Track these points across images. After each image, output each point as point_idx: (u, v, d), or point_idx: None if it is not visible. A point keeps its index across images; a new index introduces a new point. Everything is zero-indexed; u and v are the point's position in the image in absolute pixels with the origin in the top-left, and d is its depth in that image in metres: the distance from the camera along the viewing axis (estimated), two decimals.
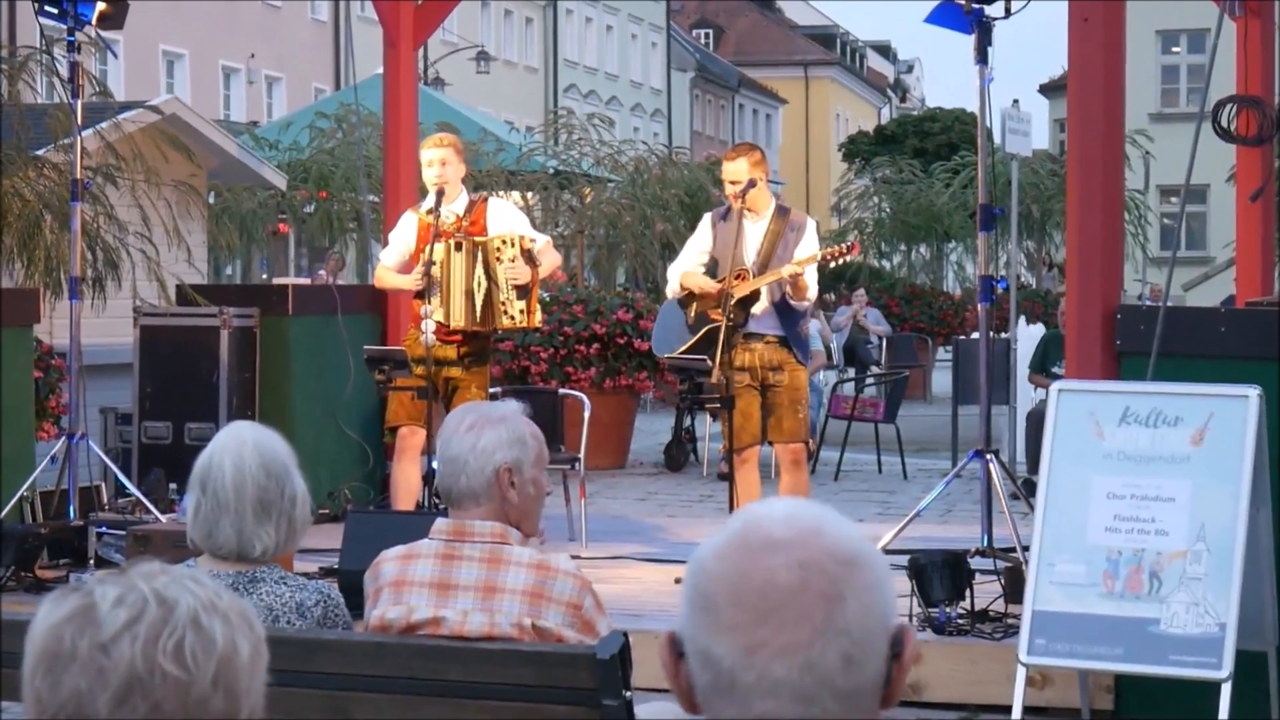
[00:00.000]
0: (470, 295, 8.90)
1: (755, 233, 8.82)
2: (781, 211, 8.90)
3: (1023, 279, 28.28)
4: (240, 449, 3.87)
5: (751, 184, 8.72)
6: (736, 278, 8.67)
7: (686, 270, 8.94)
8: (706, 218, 9.14)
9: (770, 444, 8.94)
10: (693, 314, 8.91)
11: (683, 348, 8.85)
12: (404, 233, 9.26)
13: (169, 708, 1.82)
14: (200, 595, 1.88)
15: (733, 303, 8.60)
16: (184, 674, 1.83)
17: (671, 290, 9.13)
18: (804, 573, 1.81)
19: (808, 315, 9.08)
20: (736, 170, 8.80)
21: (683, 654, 1.87)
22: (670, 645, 1.89)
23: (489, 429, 4.03)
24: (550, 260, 9.25)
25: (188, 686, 1.83)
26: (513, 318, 8.93)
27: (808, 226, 8.89)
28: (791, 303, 8.72)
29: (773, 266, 8.67)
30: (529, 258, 8.94)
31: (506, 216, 9.22)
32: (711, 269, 8.96)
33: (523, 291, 8.93)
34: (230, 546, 3.86)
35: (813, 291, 8.74)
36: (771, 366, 8.74)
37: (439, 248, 8.87)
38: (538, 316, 9.15)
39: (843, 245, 8.62)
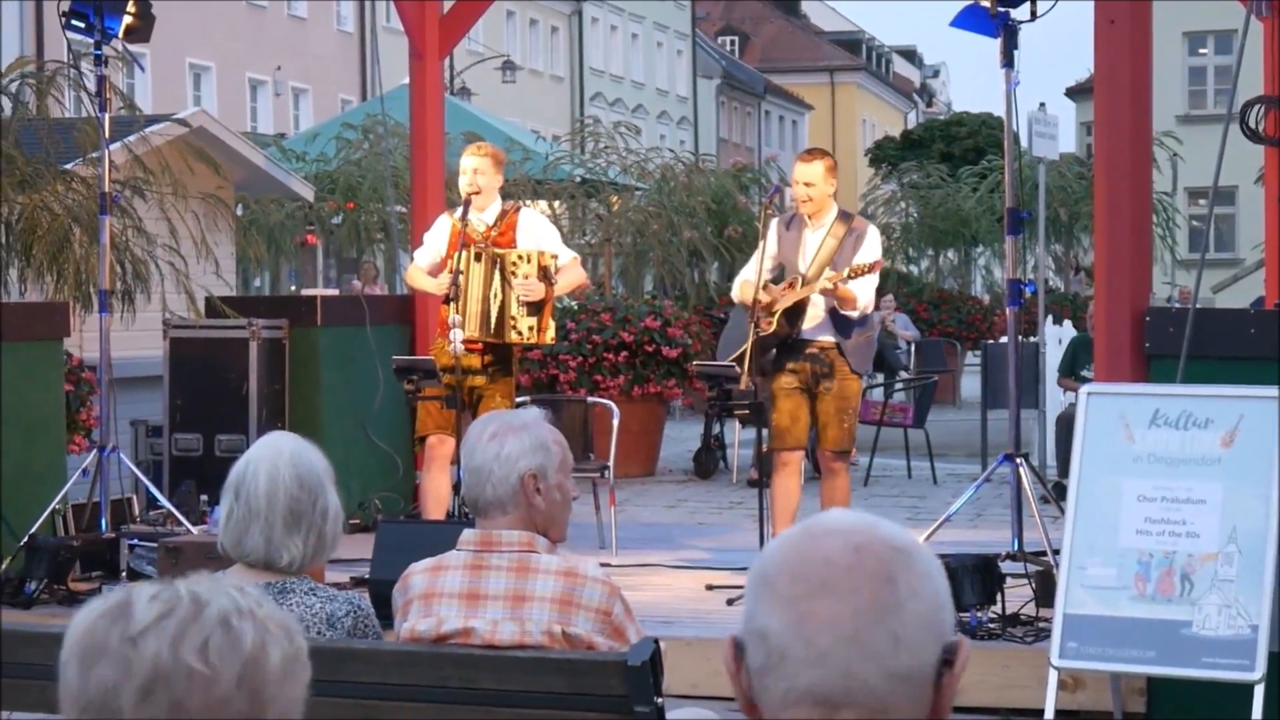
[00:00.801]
0: (485, 306, 8.91)
1: (814, 240, 8.79)
2: (844, 217, 8.85)
3: (1051, 283, 28.21)
4: (276, 458, 3.89)
5: (777, 189, 8.73)
6: (789, 285, 8.66)
7: (746, 279, 8.91)
8: (774, 223, 9.05)
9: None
10: (748, 321, 8.89)
11: (735, 354, 8.83)
12: (437, 236, 9.27)
13: (191, 705, 1.83)
14: (237, 600, 1.89)
15: (773, 312, 8.58)
16: (207, 670, 1.83)
17: (734, 296, 9.14)
18: (859, 554, 1.87)
19: (868, 324, 8.98)
20: (812, 173, 8.72)
21: (744, 654, 1.90)
22: (733, 648, 1.92)
23: (512, 436, 4.03)
24: (570, 278, 9.21)
25: (210, 684, 1.83)
26: (520, 333, 8.91)
27: (868, 234, 8.83)
28: (842, 312, 8.69)
29: (830, 274, 8.63)
30: (545, 275, 8.92)
31: (536, 230, 9.21)
32: (780, 274, 8.93)
33: (534, 308, 8.89)
34: (258, 554, 3.87)
35: (862, 301, 8.64)
36: (821, 374, 8.71)
37: (463, 256, 8.89)
38: (549, 334, 9.09)
39: (864, 264, 8.58)
